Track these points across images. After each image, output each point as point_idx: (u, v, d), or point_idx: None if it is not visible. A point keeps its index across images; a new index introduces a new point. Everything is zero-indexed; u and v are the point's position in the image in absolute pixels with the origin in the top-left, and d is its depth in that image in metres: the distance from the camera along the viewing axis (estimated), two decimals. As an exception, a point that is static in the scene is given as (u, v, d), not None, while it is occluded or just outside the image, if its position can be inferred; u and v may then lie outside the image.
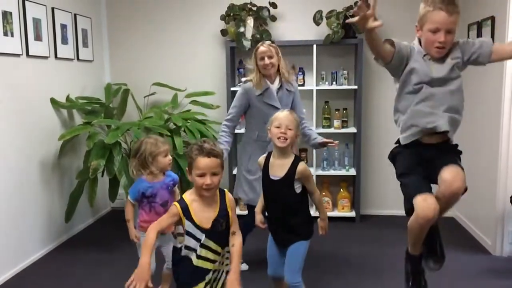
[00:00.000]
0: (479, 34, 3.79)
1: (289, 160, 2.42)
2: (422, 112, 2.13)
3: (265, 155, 2.54)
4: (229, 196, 2.13)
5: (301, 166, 2.41)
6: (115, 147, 3.59)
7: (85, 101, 4.13)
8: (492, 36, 3.54)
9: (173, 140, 3.74)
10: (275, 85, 3.19)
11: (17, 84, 3.38)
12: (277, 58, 3.16)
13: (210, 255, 2.06)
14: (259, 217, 2.57)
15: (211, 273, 2.07)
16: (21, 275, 3.34)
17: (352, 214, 4.42)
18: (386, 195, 4.52)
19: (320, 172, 4.40)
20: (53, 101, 3.80)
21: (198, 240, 2.03)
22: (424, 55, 2.13)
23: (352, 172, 4.41)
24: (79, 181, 3.80)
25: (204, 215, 2.04)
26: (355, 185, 4.42)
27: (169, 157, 2.70)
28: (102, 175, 3.72)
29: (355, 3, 4.16)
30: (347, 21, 2.06)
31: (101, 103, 4.20)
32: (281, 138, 2.39)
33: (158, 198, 2.68)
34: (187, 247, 2.05)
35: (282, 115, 2.45)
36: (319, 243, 3.65)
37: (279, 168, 2.42)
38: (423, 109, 2.13)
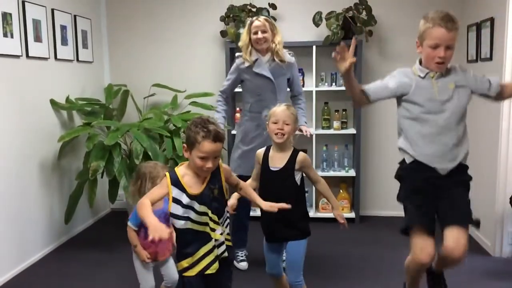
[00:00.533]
0: (478, 35, 3.79)
1: (289, 152, 2.45)
2: (426, 153, 2.20)
3: (264, 148, 2.55)
4: (223, 165, 2.11)
5: (301, 155, 2.44)
6: (114, 148, 3.59)
7: (84, 102, 4.13)
8: (491, 37, 3.55)
9: (173, 141, 3.75)
10: (266, 58, 3.21)
11: (17, 85, 3.38)
12: (271, 34, 3.17)
13: (207, 220, 2.01)
14: (232, 201, 2.44)
15: (213, 240, 2.03)
16: (21, 276, 3.34)
17: (352, 215, 4.42)
18: (385, 196, 4.52)
19: (320, 173, 4.33)
20: (52, 102, 3.80)
21: (189, 207, 1.99)
22: (426, 74, 2.17)
23: (352, 173, 4.41)
24: (78, 182, 3.80)
25: (197, 185, 2.01)
26: (354, 186, 4.42)
27: None
28: (102, 176, 3.72)
29: (355, 5, 4.17)
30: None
31: (101, 104, 4.20)
32: (278, 134, 2.42)
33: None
34: (174, 215, 2.00)
35: (279, 110, 2.46)
36: (319, 244, 3.67)
37: (279, 160, 2.45)
38: (427, 151, 2.19)
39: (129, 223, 2.61)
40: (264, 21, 3.15)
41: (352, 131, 4.38)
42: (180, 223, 2.01)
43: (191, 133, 1.95)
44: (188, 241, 2.03)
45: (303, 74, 4.40)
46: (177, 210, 2.00)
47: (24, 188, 3.46)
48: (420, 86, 2.18)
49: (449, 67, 2.21)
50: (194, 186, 2.01)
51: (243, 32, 3.26)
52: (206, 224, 2.02)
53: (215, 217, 2.04)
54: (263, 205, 2.20)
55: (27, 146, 3.49)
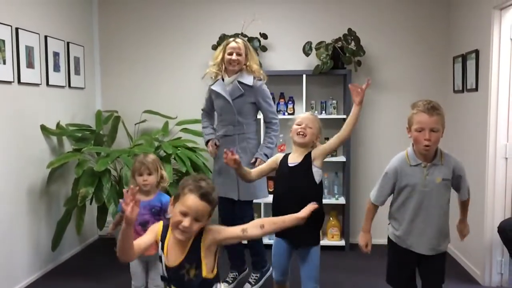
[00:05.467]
0: (464, 67, 3.89)
1: (306, 152, 2.51)
2: (407, 238, 2.41)
3: (283, 153, 2.63)
4: (210, 232, 1.78)
5: (314, 149, 2.52)
6: (104, 174, 3.57)
7: (75, 128, 4.13)
8: (477, 69, 3.64)
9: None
10: (230, 79, 3.22)
11: (8, 111, 3.38)
12: (244, 57, 3.20)
13: None
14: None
15: None
16: (4, 305, 3.26)
17: (342, 243, 4.40)
18: (375, 224, 4.46)
19: (310, 201, 4.39)
20: (43, 128, 3.80)
21: (164, 278, 1.81)
22: (417, 164, 2.33)
23: (342, 200, 4.42)
24: (67, 208, 3.76)
25: (173, 252, 1.77)
26: (344, 213, 4.43)
27: (145, 177, 2.70)
28: (91, 203, 3.69)
29: (344, 35, 4.26)
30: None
31: (91, 130, 4.20)
32: (300, 133, 2.47)
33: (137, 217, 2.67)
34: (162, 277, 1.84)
35: (304, 115, 2.59)
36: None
37: (296, 157, 2.52)
38: (408, 235, 2.40)
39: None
40: (240, 44, 3.20)
41: (342, 158, 4.41)
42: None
43: (181, 184, 1.80)
44: None
45: (293, 102, 4.46)
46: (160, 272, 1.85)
47: (11, 214, 3.41)
48: (409, 174, 2.35)
49: (445, 157, 2.36)
50: (172, 253, 1.78)
51: (218, 50, 3.31)
52: None
53: None
54: (295, 219, 1.91)
55: (15, 171, 3.46)
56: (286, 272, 2.60)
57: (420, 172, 2.32)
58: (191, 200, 1.71)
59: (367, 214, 2.52)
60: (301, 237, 2.49)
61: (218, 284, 1.81)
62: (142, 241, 1.81)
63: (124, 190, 1.67)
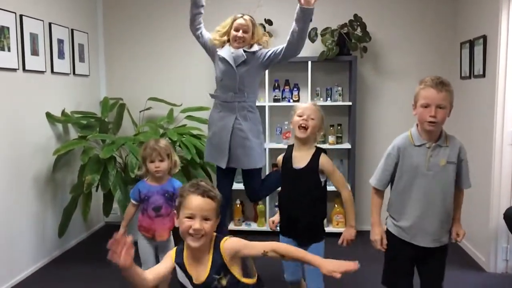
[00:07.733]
0: (471, 53, 3.84)
1: (312, 151, 2.42)
2: (408, 228, 2.29)
3: (283, 153, 2.54)
4: (226, 243, 1.73)
5: (323, 158, 2.41)
6: (109, 161, 3.58)
7: (80, 115, 4.14)
8: (484, 55, 3.60)
9: (168, 155, 3.75)
10: (233, 48, 3.16)
11: (13, 98, 3.39)
12: (250, 35, 3.13)
13: None
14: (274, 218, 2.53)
15: None
16: (12, 290, 3.30)
17: (347, 230, 4.41)
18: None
19: (315, 188, 4.39)
20: (48, 115, 3.80)
21: None
22: (422, 145, 2.21)
23: (347, 188, 4.41)
24: (73, 195, 3.78)
25: (197, 268, 1.73)
26: (349, 201, 4.42)
27: (156, 163, 2.65)
28: (97, 190, 3.71)
29: (350, 21, 4.22)
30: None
31: (96, 118, 4.21)
32: (301, 127, 2.37)
33: (151, 202, 2.67)
34: None
35: (305, 105, 2.45)
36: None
37: (302, 159, 2.42)
38: (409, 225, 2.28)
39: (130, 196, 2.74)
40: (249, 21, 3.12)
41: (347, 146, 4.40)
42: None
43: (180, 192, 1.77)
44: None
45: (298, 89, 4.44)
46: None
47: (18, 201, 3.44)
48: (413, 155, 2.23)
49: (450, 138, 2.24)
50: (196, 270, 1.74)
51: (227, 21, 3.22)
52: None
53: None
54: (323, 269, 1.66)
55: (21, 158, 3.48)
56: (296, 272, 2.54)
57: (423, 154, 2.18)
58: (194, 200, 1.69)
59: (373, 204, 2.36)
60: (305, 236, 2.46)
61: None
62: (160, 269, 1.76)
63: (111, 241, 1.63)
